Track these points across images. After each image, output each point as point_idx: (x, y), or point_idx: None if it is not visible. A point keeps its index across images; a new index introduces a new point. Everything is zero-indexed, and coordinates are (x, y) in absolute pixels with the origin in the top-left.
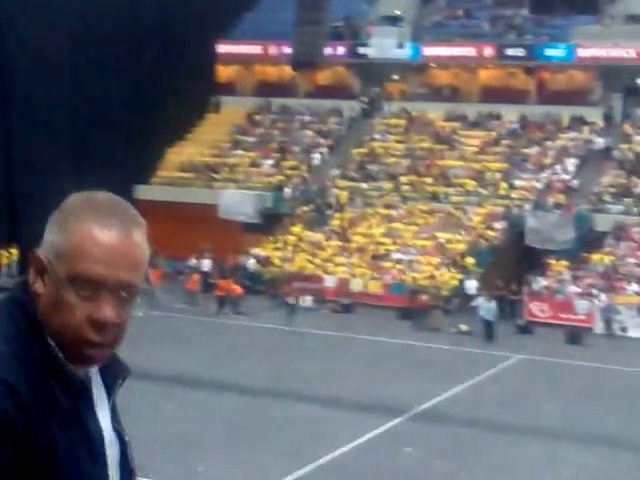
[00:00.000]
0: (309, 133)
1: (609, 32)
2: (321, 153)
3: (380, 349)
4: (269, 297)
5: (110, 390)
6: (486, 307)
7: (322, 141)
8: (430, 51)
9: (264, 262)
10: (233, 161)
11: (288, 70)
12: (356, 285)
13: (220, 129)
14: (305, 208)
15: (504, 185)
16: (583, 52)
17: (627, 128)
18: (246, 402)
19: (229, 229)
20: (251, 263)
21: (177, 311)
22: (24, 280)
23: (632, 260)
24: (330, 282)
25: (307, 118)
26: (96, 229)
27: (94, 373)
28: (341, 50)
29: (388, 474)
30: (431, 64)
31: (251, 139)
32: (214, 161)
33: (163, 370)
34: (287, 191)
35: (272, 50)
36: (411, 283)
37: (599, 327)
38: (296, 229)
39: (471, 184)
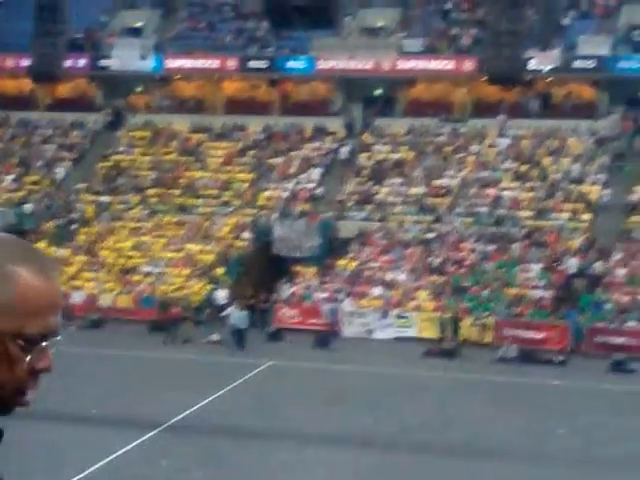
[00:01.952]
0: (51, 147)
1: (347, 44)
2: (65, 167)
3: (132, 364)
4: None
5: None
6: (237, 316)
7: (66, 155)
8: (173, 63)
9: None
10: None
11: (27, 82)
12: (105, 300)
13: None
14: (50, 223)
15: (251, 195)
16: (323, 64)
17: (367, 137)
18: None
19: None
20: None
21: None
22: None
23: (375, 265)
24: (78, 298)
25: (49, 131)
26: (40, 282)
27: None
28: (82, 62)
29: None
30: (175, 76)
31: None
32: None
33: None
34: (30, 207)
35: (9, 62)
36: (161, 296)
37: (346, 331)
38: (41, 245)
39: (219, 195)
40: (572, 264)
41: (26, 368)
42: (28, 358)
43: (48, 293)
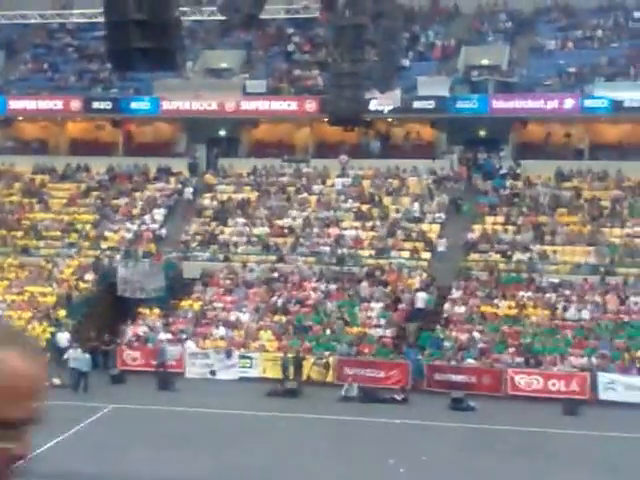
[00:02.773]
0: None
1: (191, 85)
2: None
3: None
4: None
5: None
6: (79, 359)
7: None
8: (17, 104)
9: None
10: None
11: None
12: None
13: None
14: None
15: (94, 236)
16: (167, 105)
17: (210, 178)
18: None
19: None
20: None
21: None
22: None
23: (219, 305)
24: None
25: None
26: (24, 366)
27: None
28: None
29: None
30: (18, 117)
31: None
32: None
33: None
34: None
35: None
36: None
37: (189, 371)
38: None
39: (62, 236)
40: (420, 297)
41: (4, 454)
42: (5, 444)
43: (30, 377)
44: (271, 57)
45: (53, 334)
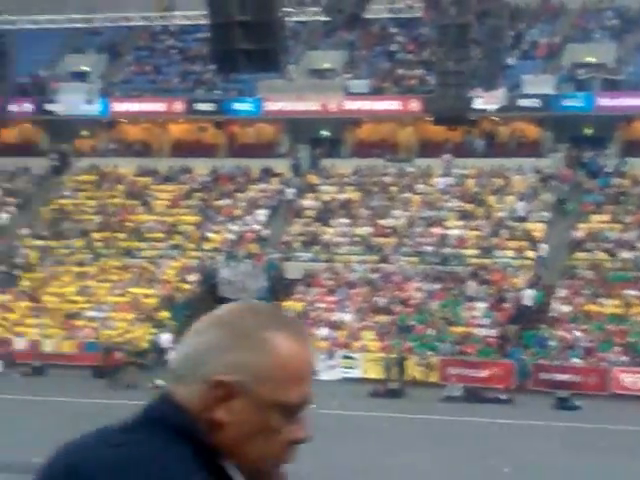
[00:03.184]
0: None
1: (294, 86)
2: (9, 212)
3: (74, 410)
4: None
5: None
6: None
7: (10, 200)
8: (120, 107)
9: None
10: None
11: None
12: (48, 346)
13: None
14: None
15: (197, 237)
16: (270, 106)
17: (313, 178)
18: None
19: None
20: None
21: None
22: (172, 409)
23: (322, 305)
24: (20, 344)
25: None
26: (297, 348)
27: None
28: (27, 107)
29: None
30: (121, 119)
31: None
32: None
33: None
34: None
35: None
36: (105, 340)
37: None
38: None
39: (164, 238)
40: (528, 295)
41: (285, 439)
42: (288, 429)
43: (304, 359)
44: (374, 57)
45: (156, 335)
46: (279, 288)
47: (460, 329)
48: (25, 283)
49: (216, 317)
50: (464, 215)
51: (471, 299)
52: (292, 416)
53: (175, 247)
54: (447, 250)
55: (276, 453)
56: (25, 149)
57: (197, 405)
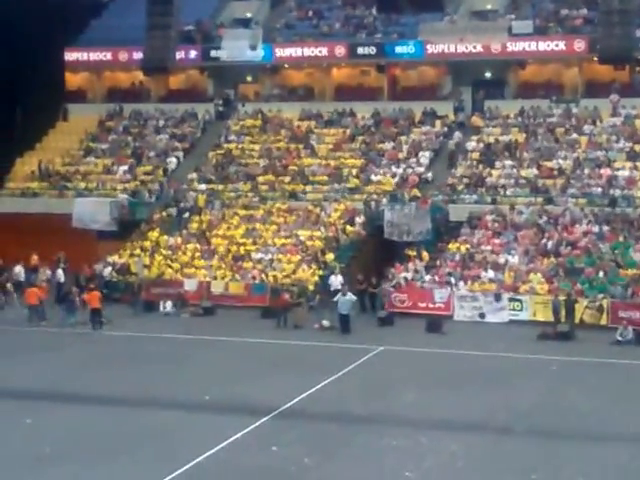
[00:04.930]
0: (163, 137)
1: (455, 28)
2: (177, 157)
3: (244, 349)
4: (128, 305)
5: None
6: (342, 301)
7: (177, 145)
8: (283, 52)
9: (121, 269)
10: (86, 169)
11: (139, 75)
12: (217, 287)
13: (71, 137)
14: (163, 213)
15: (361, 180)
16: (432, 48)
17: (477, 120)
18: (111, 411)
19: (83, 238)
20: (107, 271)
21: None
22: None
23: (487, 248)
24: (190, 286)
25: (161, 122)
26: None
27: None
28: (193, 54)
29: (258, 474)
30: (284, 65)
31: (104, 146)
32: (66, 169)
33: (19, 385)
34: (143, 196)
35: (122, 56)
36: (273, 282)
37: (458, 314)
38: (154, 234)
39: (328, 181)
40: None
41: None
42: None
43: None
44: None
45: (322, 277)
46: (443, 230)
47: (631, 272)
48: (194, 226)
49: None
50: (633, 156)
51: None
52: None
53: (339, 190)
54: (616, 192)
55: None
56: (191, 95)
57: None
